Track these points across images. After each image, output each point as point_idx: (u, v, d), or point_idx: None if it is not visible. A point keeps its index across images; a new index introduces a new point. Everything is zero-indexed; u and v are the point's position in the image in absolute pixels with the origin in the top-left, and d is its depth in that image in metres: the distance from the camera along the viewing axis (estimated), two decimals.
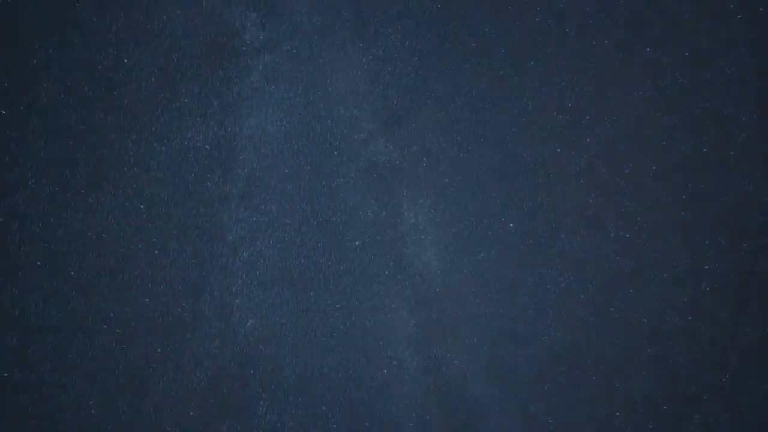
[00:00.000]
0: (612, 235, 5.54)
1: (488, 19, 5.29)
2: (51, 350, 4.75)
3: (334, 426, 5.38)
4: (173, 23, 4.89)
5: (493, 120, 5.39)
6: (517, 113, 5.41)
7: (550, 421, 5.63)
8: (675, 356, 5.49)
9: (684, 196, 5.45)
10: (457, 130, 5.38)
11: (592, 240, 5.54)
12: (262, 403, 5.18)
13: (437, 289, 5.52)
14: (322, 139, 5.19)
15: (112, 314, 4.87)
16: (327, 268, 5.29)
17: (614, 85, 5.40)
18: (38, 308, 4.76)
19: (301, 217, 5.14)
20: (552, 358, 5.65)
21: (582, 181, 5.50)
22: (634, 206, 5.51)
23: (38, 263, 4.75)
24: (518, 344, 5.64)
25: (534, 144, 5.46)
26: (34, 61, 4.66)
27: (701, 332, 5.48)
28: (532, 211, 5.52)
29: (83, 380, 4.84)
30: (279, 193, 5.12)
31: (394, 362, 5.49)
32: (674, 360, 5.50)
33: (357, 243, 5.35)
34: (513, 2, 5.28)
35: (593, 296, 5.59)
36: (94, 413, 4.78)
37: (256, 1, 5.10)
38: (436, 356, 5.58)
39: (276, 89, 5.07)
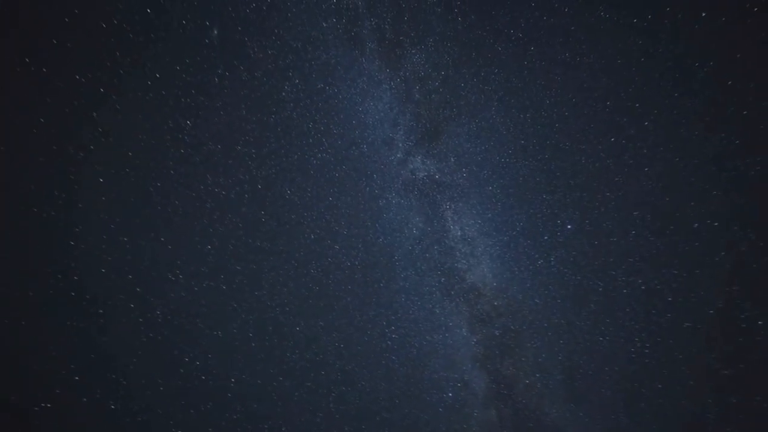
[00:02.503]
0: (696, 225, 4.83)
1: (514, 23, 5.16)
2: None
3: None
4: None
5: (532, 120, 5.13)
6: (558, 110, 5.10)
7: None
8: None
9: None
10: (495, 136, 5.20)
11: (670, 234, 4.87)
12: (325, 428, 5.23)
13: (495, 303, 5.20)
14: (360, 164, 5.35)
15: None
16: (378, 290, 5.30)
17: (676, 73, 4.86)
18: None
19: (347, 241, 5.27)
20: (643, 372, 4.95)
21: (648, 169, 4.93)
22: (721, 191, 4.77)
23: None
24: (599, 358, 5.05)
25: (584, 137, 5.06)
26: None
27: None
28: (592, 209, 5.04)
29: None
30: (325, 220, 5.33)
31: (459, 384, 5.22)
32: None
33: (406, 262, 5.31)
34: (538, 3, 5.11)
35: (684, 297, 4.85)
36: None
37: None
38: (505, 376, 5.19)
39: (313, 124, 5.40)
